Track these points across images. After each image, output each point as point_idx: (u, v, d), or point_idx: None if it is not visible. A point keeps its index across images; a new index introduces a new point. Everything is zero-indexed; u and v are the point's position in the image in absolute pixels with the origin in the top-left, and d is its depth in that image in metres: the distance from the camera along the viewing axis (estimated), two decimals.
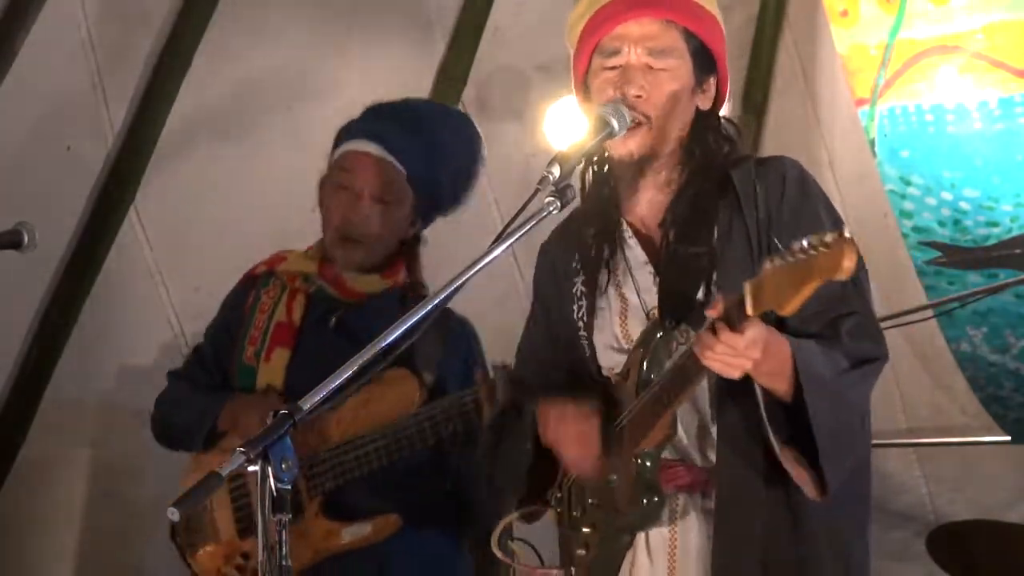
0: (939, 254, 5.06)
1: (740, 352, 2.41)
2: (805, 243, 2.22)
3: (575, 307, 2.81)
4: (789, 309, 2.30)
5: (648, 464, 2.67)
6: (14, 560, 4.74)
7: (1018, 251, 4.88)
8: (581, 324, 2.79)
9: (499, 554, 2.83)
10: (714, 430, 2.68)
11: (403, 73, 5.32)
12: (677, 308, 2.67)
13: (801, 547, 2.65)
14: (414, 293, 3.70)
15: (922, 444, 5.48)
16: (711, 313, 2.41)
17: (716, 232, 2.70)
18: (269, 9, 5.01)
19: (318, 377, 3.45)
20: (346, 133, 3.73)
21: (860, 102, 5.11)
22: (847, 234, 2.19)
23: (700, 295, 2.67)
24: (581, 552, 2.78)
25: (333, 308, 3.65)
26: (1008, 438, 5.26)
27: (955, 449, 5.43)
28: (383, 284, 3.68)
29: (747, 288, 2.34)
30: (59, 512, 4.80)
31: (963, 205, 4.90)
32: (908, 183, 5.01)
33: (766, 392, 2.54)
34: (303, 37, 5.08)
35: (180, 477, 3.69)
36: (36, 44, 4.48)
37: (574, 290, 2.81)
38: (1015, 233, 4.86)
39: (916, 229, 5.06)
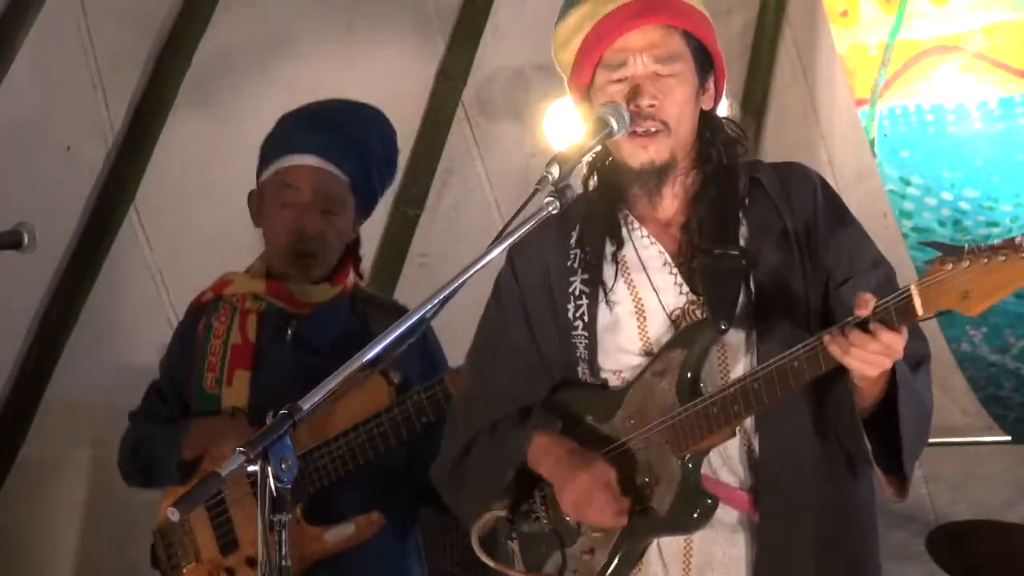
0: (939, 254, 5.05)
1: (895, 351, 2.43)
2: (995, 245, 2.30)
3: (571, 306, 2.76)
4: (978, 310, 2.34)
5: (692, 467, 2.62)
6: (14, 559, 4.75)
7: None
8: (580, 323, 2.74)
9: (484, 558, 2.80)
10: (755, 440, 2.66)
11: (403, 73, 5.33)
12: (725, 309, 2.63)
13: (853, 554, 2.67)
14: (362, 295, 3.70)
15: None
16: (860, 312, 2.41)
17: (747, 232, 2.69)
18: (269, 9, 5.01)
19: (282, 394, 3.39)
20: (278, 147, 3.69)
21: (860, 102, 5.11)
22: None
23: (741, 296, 2.64)
24: (586, 556, 2.72)
25: (286, 322, 3.64)
26: (1008, 438, 5.27)
27: (955, 449, 5.43)
28: (333, 291, 3.66)
29: (916, 289, 2.37)
30: (59, 512, 4.80)
31: (963, 205, 4.90)
32: (908, 183, 5.01)
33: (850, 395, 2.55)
34: (303, 37, 5.09)
35: (155, 506, 3.70)
36: (36, 44, 4.49)
37: (571, 289, 2.77)
38: (1015, 233, 4.85)
39: (916, 229, 5.06)
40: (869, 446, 2.57)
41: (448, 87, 5.44)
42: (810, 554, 2.63)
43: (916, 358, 2.63)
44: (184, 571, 3.61)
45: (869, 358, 2.42)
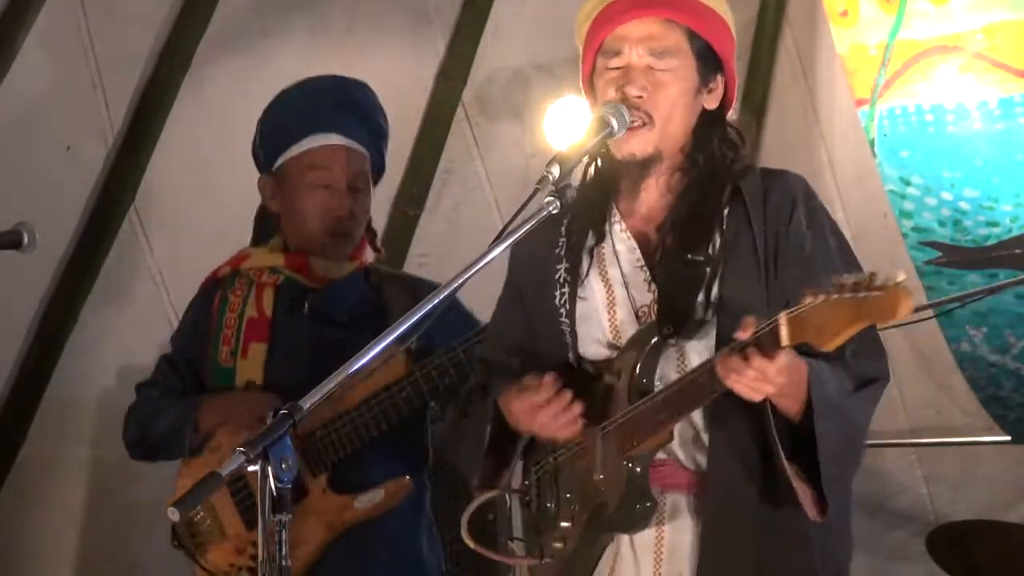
0: (939, 254, 5.05)
1: (769, 378, 2.42)
2: (852, 281, 2.26)
3: (557, 293, 2.78)
4: (831, 345, 2.33)
5: (638, 470, 2.65)
6: (14, 560, 4.75)
7: (1018, 251, 4.87)
8: (563, 310, 2.77)
9: (469, 542, 2.83)
10: (705, 437, 2.67)
11: (403, 73, 5.32)
12: (674, 314, 2.66)
13: (796, 557, 2.65)
14: (375, 267, 3.73)
15: (922, 444, 5.48)
16: (740, 335, 2.41)
17: (719, 241, 2.69)
18: (269, 8, 5.01)
19: (297, 366, 3.44)
20: (299, 128, 3.70)
21: (860, 102, 5.10)
22: (902, 278, 2.23)
23: (700, 300, 2.66)
24: (558, 545, 2.76)
25: (303, 295, 3.65)
26: (1008, 438, 5.26)
27: (955, 449, 5.42)
28: (351, 266, 3.70)
29: (783, 319, 2.36)
30: (59, 512, 4.80)
31: (963, 205, 4.90)
32: (908, 183, 5.00)
33: (774, 409, 2.55)
34: (303, 37, 5.08)
35: (173, 480, 3.69)
36: (36, 44, 4.49)
37: (557, 276, 2.79)
38: (1015, 233, 4.85)
39: (916, 229, 5.05)
40: (785, 462, 2.56)
41: (448, 87, 5.44)
42: (751, 550, 2.63)
43: (866, 377, 2.63)
44: (210, 551, 3.62)
45: (747, 383, 2.43)
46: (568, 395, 2.67)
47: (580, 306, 2.76)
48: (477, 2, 5.41)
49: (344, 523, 3.51)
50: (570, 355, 2.78)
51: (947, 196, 4.92)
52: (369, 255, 3.78)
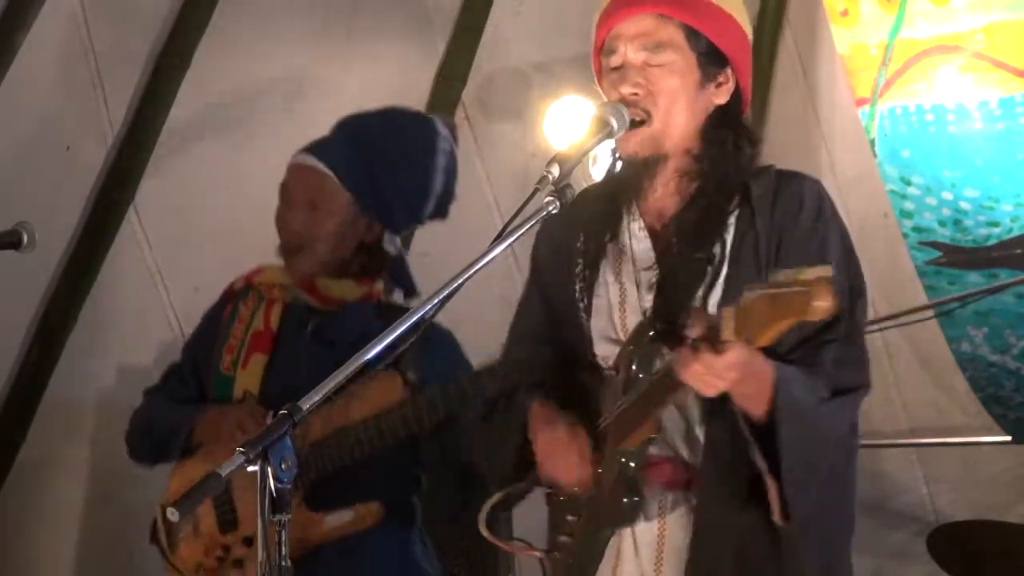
0: (939, 254, 5.06)
1: (717, 373, 2.40)
2: (782, 276, 2.21)
3: (576, 288, 2.79)
4: (763, 342, 2.30)
5: (632, 464, 2.66)
6: (14, 560, 4.75)
7: (1018, 251, 4.88)
8: (581, 306, 2.78)
9: (487, 534, 2.84)
10: (700, 433, 2.68)
11: (403, 74, 5.32)
12: (672, 311, 2.66)
13: (781, 560, 2.64)
14: (393, 304, 3.72)
15: (922, 444, 5.48)
16: (692, 333, 2.40)
17: (728, 242, 2.68)
18: (269, 9, 5.01)
19: (295, 382, 3.47)
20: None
21: (860, 102, 5.10)
22: (825, 274, 2.16)
23: (699, 300, 2.65)
24: (564, 539, 2.78)
25: (309, 316, 3.67)
26: (1008, 438, 5.26)
27: (955, 449, 5.43)
28: (358, 291, 3.68)
29: (726, 313, 2.32)
30: (58, 512, 4.80)
31: (963, 205, 4.90)
32: (908, 183, 5.01)
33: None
34: (303, 37, 5.08)
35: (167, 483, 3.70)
36: (36, 44, 4.49)
37: (577, 270, 2.80)
38: (1015, 233, 4.86)
39: (916, 229, 5.06)
40: (759, 458, 2.55)
41: (448, 87, 5.43)
42: (734, 551, 2.63)
43: (845, 386, 2.61)
44: (181, 547, 3.64)
45: (697, 377, 2.41)
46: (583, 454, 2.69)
47: (595, 302, 2.77)
48: (477, 2, 5.40)
49: (310, 539, 3.52)
50: (587, 351, 2.79)
51: (948, 196, 4.93)
52: (397, 289, 3.76)
